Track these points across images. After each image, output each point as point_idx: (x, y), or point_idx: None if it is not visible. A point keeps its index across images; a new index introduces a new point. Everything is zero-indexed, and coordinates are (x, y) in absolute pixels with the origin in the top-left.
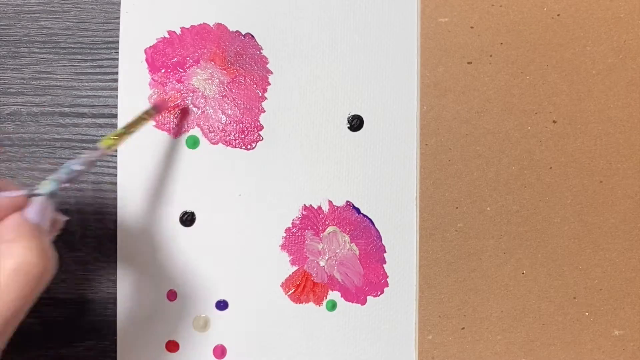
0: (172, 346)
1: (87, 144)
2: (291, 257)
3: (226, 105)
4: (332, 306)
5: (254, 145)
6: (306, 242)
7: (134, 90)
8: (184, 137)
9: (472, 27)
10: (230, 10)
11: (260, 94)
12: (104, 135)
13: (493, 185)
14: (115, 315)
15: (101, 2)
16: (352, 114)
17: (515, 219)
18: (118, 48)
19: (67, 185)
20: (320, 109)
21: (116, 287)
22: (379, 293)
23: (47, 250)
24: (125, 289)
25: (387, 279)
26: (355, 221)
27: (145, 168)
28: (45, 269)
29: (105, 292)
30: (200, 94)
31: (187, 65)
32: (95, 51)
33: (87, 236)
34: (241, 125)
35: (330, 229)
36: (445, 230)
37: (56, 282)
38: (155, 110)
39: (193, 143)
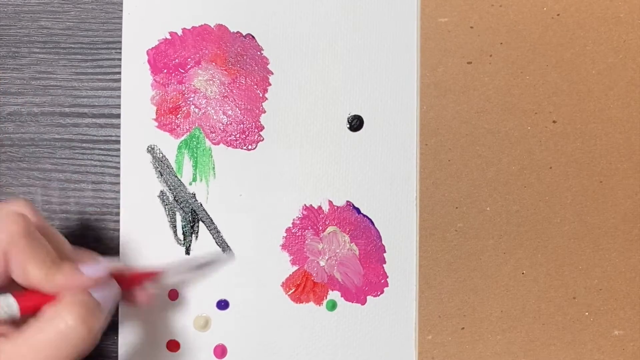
0: (173, 345)
1: (87, 144)
2: (291, 257)
3: (227, 105)
4: (332, 306)
5: (254, 145)
6: (306, 242)
7: (136, 91)
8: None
9: (472, 27)
10: (231, 12)
11: (261, 95)
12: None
13: (493, 185)
14: (115, 316)
15: (101, 2)
16: (352, 114)
17: (515, 219)
18: (118, 48)
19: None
20: (320, 109)
21: None
22: (379, 293)
23: (92, 319)
24: None
25: (387, 279)
26: (355, 221)
27: (146, 168)
28: (84, 338)
29: None
30: (201, 94)
31: (189, 66)
32: (96, 51)
33: (87, 236)
34: (242, 125)
35: (330, 229)
36: (445, 230)
37: None
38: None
39: None
